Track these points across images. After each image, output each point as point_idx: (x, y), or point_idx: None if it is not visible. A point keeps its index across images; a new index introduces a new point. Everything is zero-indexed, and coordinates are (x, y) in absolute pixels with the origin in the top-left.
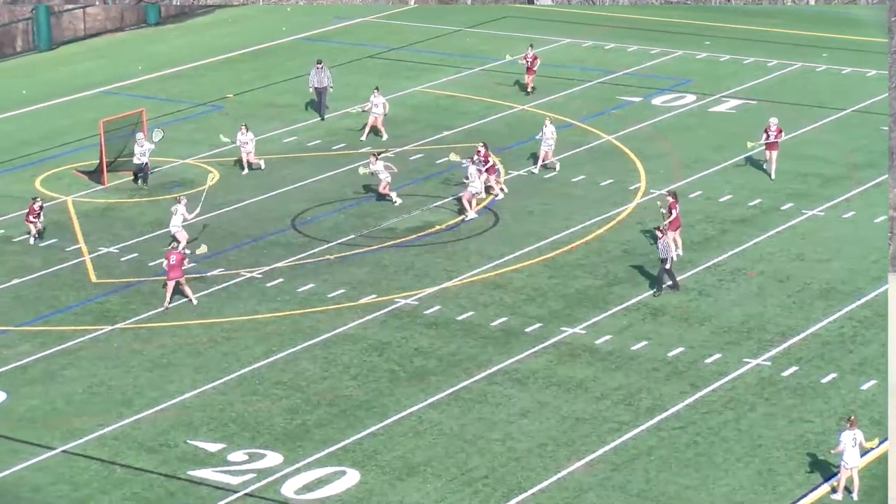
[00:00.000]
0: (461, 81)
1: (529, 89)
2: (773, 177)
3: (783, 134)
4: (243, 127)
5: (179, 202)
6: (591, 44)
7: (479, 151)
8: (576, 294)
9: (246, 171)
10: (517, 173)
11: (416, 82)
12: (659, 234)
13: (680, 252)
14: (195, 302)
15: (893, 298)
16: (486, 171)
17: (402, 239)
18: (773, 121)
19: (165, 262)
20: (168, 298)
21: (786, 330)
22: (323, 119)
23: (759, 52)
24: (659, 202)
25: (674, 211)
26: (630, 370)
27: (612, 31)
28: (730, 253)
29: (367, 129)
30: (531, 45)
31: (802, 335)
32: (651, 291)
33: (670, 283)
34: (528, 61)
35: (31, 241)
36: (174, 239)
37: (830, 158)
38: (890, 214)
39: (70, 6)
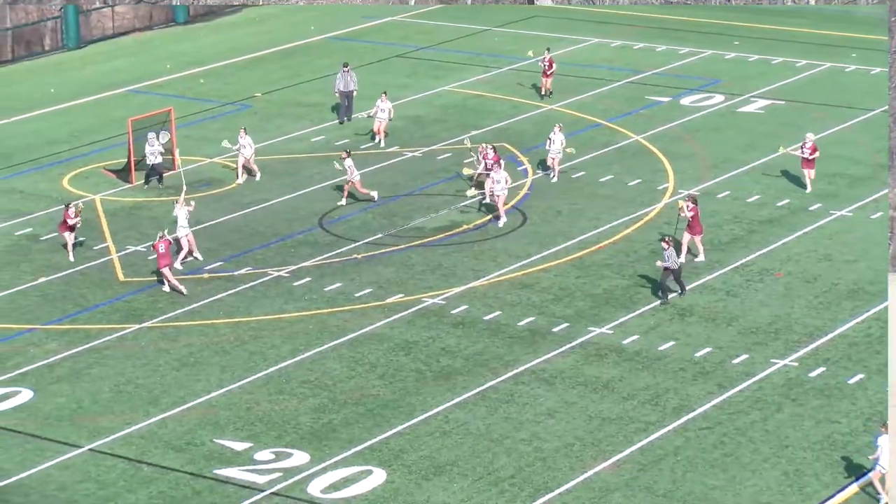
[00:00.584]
0: (489, 81)
1: (544, 92)
2: (808, 189)
3: (818, 152)
4: (242, 130)
5: (178, 203)
6: (620, 43)
7: (485, 154)
8: (603, 294)
9: (240, 180)
10: (544, 172)
11: (443, 82)
12: (665, 245)
13: (701, 257)
14: (185, 291)
15: (893, 298)
16: (487, 170)
17: (430, 238)
18: (810, 136)
19: (155, 251)
20: (176, 284)
21: (813, 330)
22: (342, 123)
23: (788, 52)
24: (681, 204)
25: (692, 214)
26: (657, 370)
27: (640, 31)
28: (757, 253)
29: (378, 134)
30: (548, 49)
31: (829, 336)
32: (658, 300)
33: (679, 288)
34: (545, 64)
35: (71, 256)
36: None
37: (858, 159)
38: (890, 214)
39: (98, 6)
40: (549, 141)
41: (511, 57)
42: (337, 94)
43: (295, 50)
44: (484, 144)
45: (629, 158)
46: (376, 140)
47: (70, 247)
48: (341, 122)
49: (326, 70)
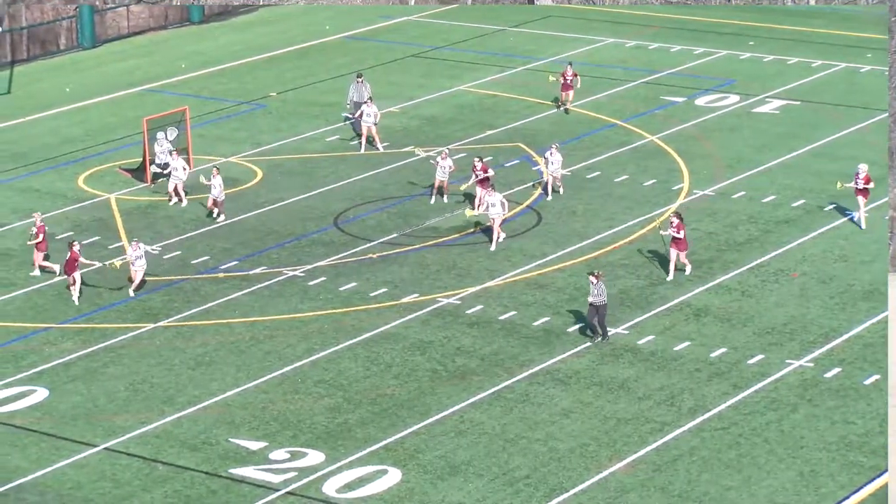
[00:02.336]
0: (504, 81)
1: (561, 105)
2: (862, 226)
3: (872, 183)
4: (215, 170)
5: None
6: (635, 44)
7: (475, 167)
8: (618, 294)
9: (176, 201)
10: (562, 172)
11: (459, 81)
12: (593, 279)
13: (688, 271)
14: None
15: (893, 298)
16: (479, 182)
17: (445, 238)
18: (863, 167)
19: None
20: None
21: (828, 331)
22: (360, 135)
23: (803, 52)
24: (659, 226)
25: (682, 231)
26: (672, 371)
27: (656, 32)
28: (773, 254)
29: (363, 138)
30: (570, 63)
31: (845, 336)
32: (592, 338)
33: (600, 332)
34: (566, 78)
35: (76, 299)
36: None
37: (874, 159)
38: (890, 214)
39: (113, 6)
40: (545, 161)
41: (526, 57)
42: (349, 105)
43: (310, 49)
44: (476, 159)
45: (644, 158)
46: (359, 143)
47: (76, 288)
48: (358, 135)
49: (342, 70)
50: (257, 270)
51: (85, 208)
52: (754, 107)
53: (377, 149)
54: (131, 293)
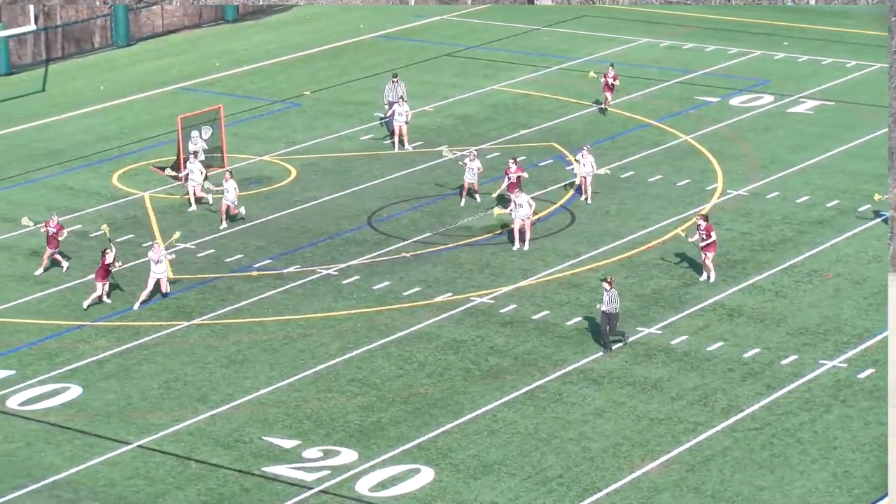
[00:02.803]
0: (538, 80)
1: (604, 105)
2: None
3: None
4: (228, 174)
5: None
6: (669, 43)
7: (508, 168)
8: (652, 294)
9: (193, 207)
10: (595, 172)
11: (493, 81)
12: (606, 285)
13: (712, 278)
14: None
15: (893, 298)
16: (507, 186)
17: (479, 237)
18: None
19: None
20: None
21: (862, 332)
22: (393, 134)
23: (837, 52)
24: (685, 233)
25: (711, 234)
26: (706, 371)
27: (690, 32)
28: (806, 254)
29: (395, 137)
30: (612, 65)
31: (879, 337)
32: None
33: (616, 339)
34: (608, 79)
35: (86, 304)
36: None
37: None
38: (890, 214)
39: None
40: (576, 163)
41: (560, 56)
42: (385, 105)
43: (344, 48)
44: (511, 160)
45: (678, 158)
46: (391, 142)
47: (95, 297)
48: (392, 134)
49: (376, 69)
50: (291, 269)
51: (119, 206)
52: (788, 107)
53: (405, 148)
54: (136, 307)
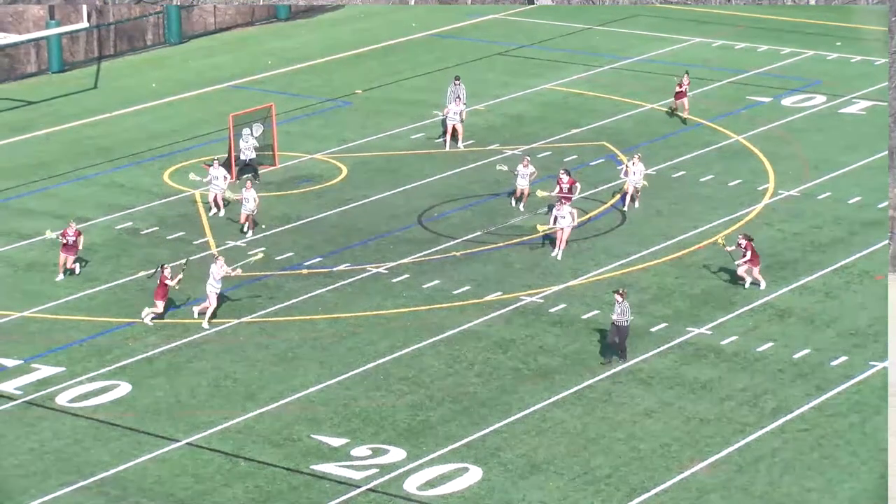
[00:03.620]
0: (590, 79)
1: (674, 110)
2: None
3: None
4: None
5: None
6: (721, 43)
7: (560, 179)
8: (702, 294)
9: (215, 211)
10: (645, 171)
11: (544, 80)
12: (618, 297)
13: (762, 286)
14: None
15: (893, 298)
16: (562, 199)
17: (529, 237)
18: None
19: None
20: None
21: None
22: (445, 133)
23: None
24: (721, 241)
25: (748, 252)
26: (755, 371)
27: (742, 31)
28: (857, 255)
29: (447, 137)
30: (686, 72)
31: None
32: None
33: (619, 354)
34: (683, 87)
35: (147, 318)
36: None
37: None
38: (890, 214)
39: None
40: (626, 169)
41: (611, 55)
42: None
43: (396, 47)
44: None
45: (730, 158)
46: (443, 140)
47: (152, 313)
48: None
49: (427, 67)
50: (341, 267)
51: (170, 204)
52: (840, 107)
53: (458, 147)
54: (205, 325)
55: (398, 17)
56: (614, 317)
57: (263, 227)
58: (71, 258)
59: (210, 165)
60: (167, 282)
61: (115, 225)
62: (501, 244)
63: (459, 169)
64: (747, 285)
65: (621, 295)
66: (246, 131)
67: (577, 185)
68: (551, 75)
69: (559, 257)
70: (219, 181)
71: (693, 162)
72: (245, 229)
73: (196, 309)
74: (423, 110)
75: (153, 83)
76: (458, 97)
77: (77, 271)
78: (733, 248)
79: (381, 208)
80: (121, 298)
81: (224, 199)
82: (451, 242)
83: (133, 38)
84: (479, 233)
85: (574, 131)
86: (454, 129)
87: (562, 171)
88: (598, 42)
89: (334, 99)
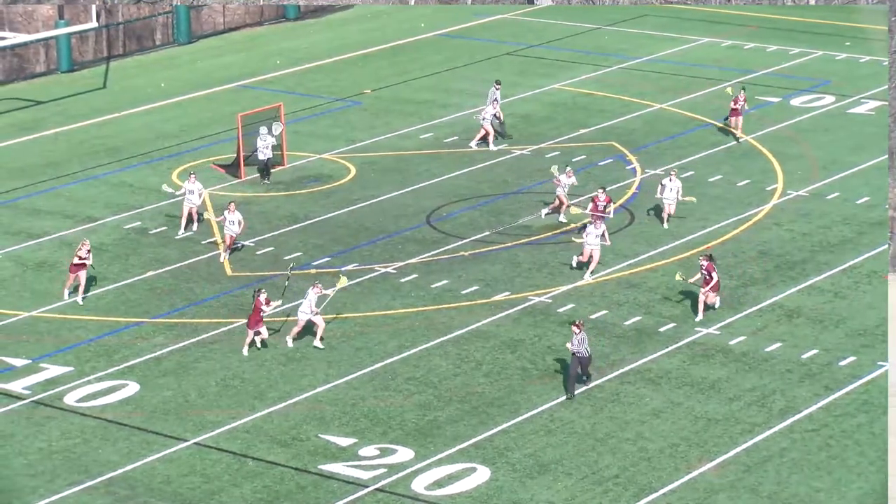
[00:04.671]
0: (599, 79)
1: (730, 127)
2: None
3: None
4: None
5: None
6: (731, 43)
7: (597, 197)
8: None
9: (186, 224)
10: (653, 172)
11: (553, 80)
12: (575, 329)
13: (717, 305)
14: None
15: (893, 298)
16: (595, 218)
17: (537, 237)
18: None
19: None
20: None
21: None
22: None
23: None
24: (680, 276)
25: (713, 274)
26: (763, 371)
27: (751, 31)
28: (866, 255)
29: (480, 135)
30: (743, 89)
31: None
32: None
33: (581, 381)
34: (738, 103)
35: (79, 299)
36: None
37: None
38: (890, 214)
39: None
40: (661, 187)
41: (620, 55)
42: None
43: (405, 46)
44: (600, 190)
45: (738, 158)
46: (476, 141)
47: (252, 342)
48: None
49: (436, 67)
50: (349, 267)
51: (178, 203)
52: (849, 108)
53: (487, 146)
54: (290, 343)
55: (406, 17)
56: (573, 348)
57: (224, 257)
58: (83, 275)
59: (223, 167)
60: (263, 307)
61: (124, 224)
62: (510, 244)
63: (468, 169)
64: (699, 317)
65: (578, 326)
66: (263, 130)
67: (612, 204)
68: (560, 75)
69: (589, 279)
70: (193, 196)
71: (702, 162)
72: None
73: (289, 338)
74: (433, 110)
75: (162, 83)
76: (496, 100)
77: (80, 301)
78: (696, 276)
79: (389, 208)
80: (129, 298)
81: (199, 213)
82: (460, 242)
83: (142, 37)
84: (487, 232)
85: (582, 131)
86: (486, 131)
87: (599, 189)
88: (607, 42)
89: (343, 99)
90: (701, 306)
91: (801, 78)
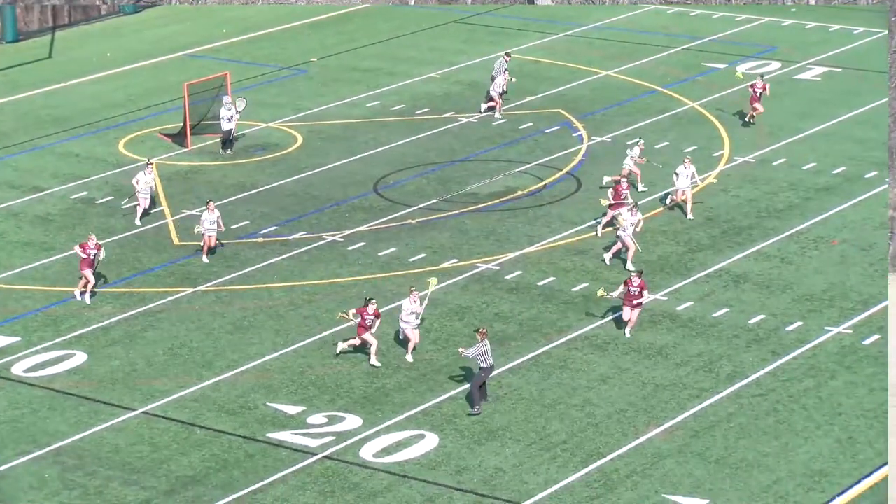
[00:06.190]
0: (546, 47)
1: (749, 118)
2: None
3: None
4: (210, 203)
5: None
6: (677, 10)
7: (620, 186)
8: (658, 260)
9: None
10: (600, 139)
11: (500, 47)
12: (479, 335)
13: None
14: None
15: (893, 298)
16: (612, 206)
17: (484, 204)
18: None
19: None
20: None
21: (868, 298)
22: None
23: (846, 19)
24: (604, 293)
25: (644, 293)
26: (711, 337)
27: None
28: (812, 221)
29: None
30: (761, 76)
31: (884, 304)
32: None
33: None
34: (756, 91)
35: (87, 298)
36: None
37: None
38: (890, 214)
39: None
40: (675, 175)
41: (567, 23)
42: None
43: (353, 15)
44: (622, 179)
45: (685, 125)
46: (487, 111)
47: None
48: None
49: (383, 35)
50: (297, 235)
51: (126, 173)
52: (796, 74)
53: (496, 116)
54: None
55: None
56: (467, 353)
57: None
58: (90, 273)
59: (169, 136)
60: (367, 317)
61: (71, 195)
62: (457, 211)
63: (415, 137)
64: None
65: (481, 334)
66: (227, 99)
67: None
68: (507, 43)
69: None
70: (145, 193)
71: (649, 128)
72: (206, 255)
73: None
74: (379, 78)
75: (108, 53)
76: (505, 70)
77: (88, 301)
78: (618, 290)
79: (336, 176)
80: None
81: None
82: (407, 210)
83: (88, 7)
84: (434, 200)
85: (529, 98)
86: (493, 99)
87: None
88: (554, 10)
89: (290, 67)
90: (629, 326)
91: (748, 44)
